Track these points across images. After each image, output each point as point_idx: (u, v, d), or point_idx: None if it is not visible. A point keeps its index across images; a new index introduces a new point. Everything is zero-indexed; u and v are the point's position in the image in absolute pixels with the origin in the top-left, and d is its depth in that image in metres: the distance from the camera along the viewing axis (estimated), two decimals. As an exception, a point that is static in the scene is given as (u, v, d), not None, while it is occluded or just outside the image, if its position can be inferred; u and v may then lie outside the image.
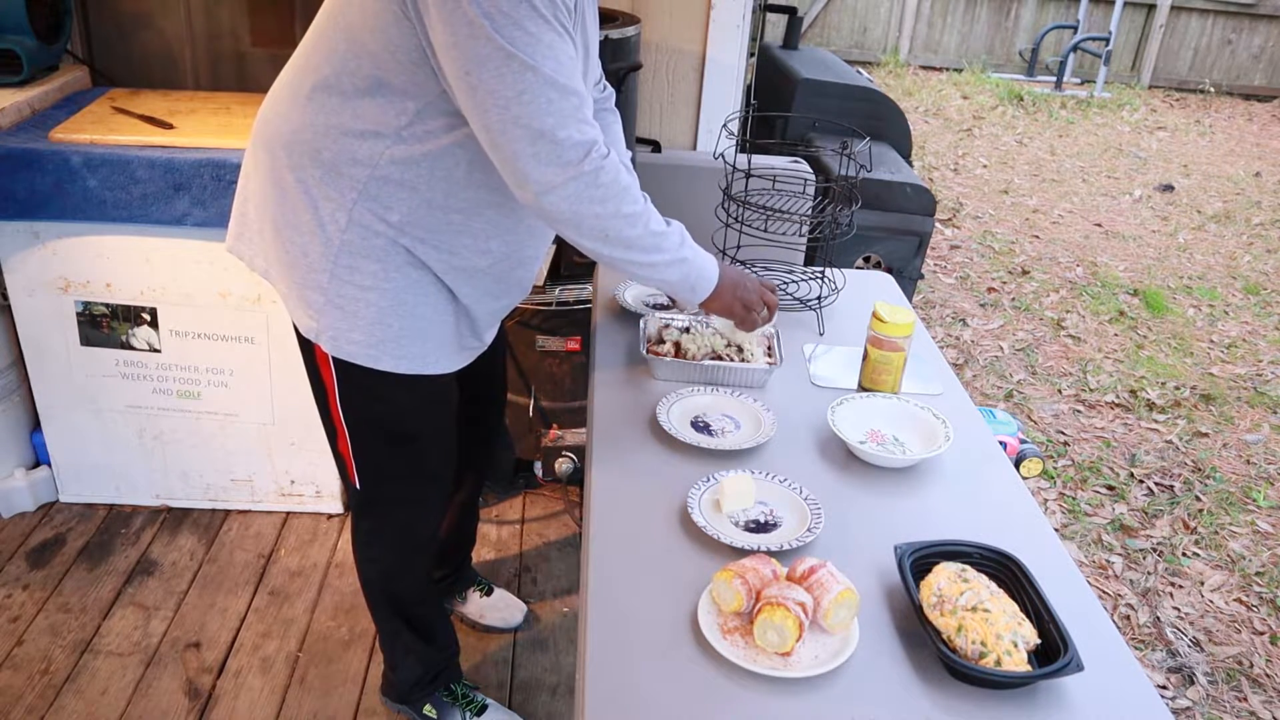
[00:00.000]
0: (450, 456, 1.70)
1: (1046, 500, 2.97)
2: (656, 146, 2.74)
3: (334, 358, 1.47)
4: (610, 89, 1.74)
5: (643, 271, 1.41)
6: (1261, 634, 2.49)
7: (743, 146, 2.56)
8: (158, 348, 2.30)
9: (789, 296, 1.88)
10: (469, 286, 1.48)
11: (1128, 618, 2.52)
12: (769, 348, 1.66)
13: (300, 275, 1.43)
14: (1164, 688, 2.30)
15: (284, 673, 2.08)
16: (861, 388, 1.59)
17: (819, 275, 1.91)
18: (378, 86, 1.31)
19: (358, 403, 1.54)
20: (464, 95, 1.25)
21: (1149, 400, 3.59)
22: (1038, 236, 5.23)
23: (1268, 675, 2.36)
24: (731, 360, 1.59)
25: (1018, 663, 1.02)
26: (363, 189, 1.36)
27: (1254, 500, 3.05)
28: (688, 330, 1.67)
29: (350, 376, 1.49)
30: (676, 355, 1.61)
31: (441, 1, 1.20)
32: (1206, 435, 3.40)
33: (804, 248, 2.57)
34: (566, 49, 1.24)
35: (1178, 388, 3.71)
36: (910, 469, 1.41)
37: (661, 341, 1.65)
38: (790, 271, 1.98)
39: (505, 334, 1.94)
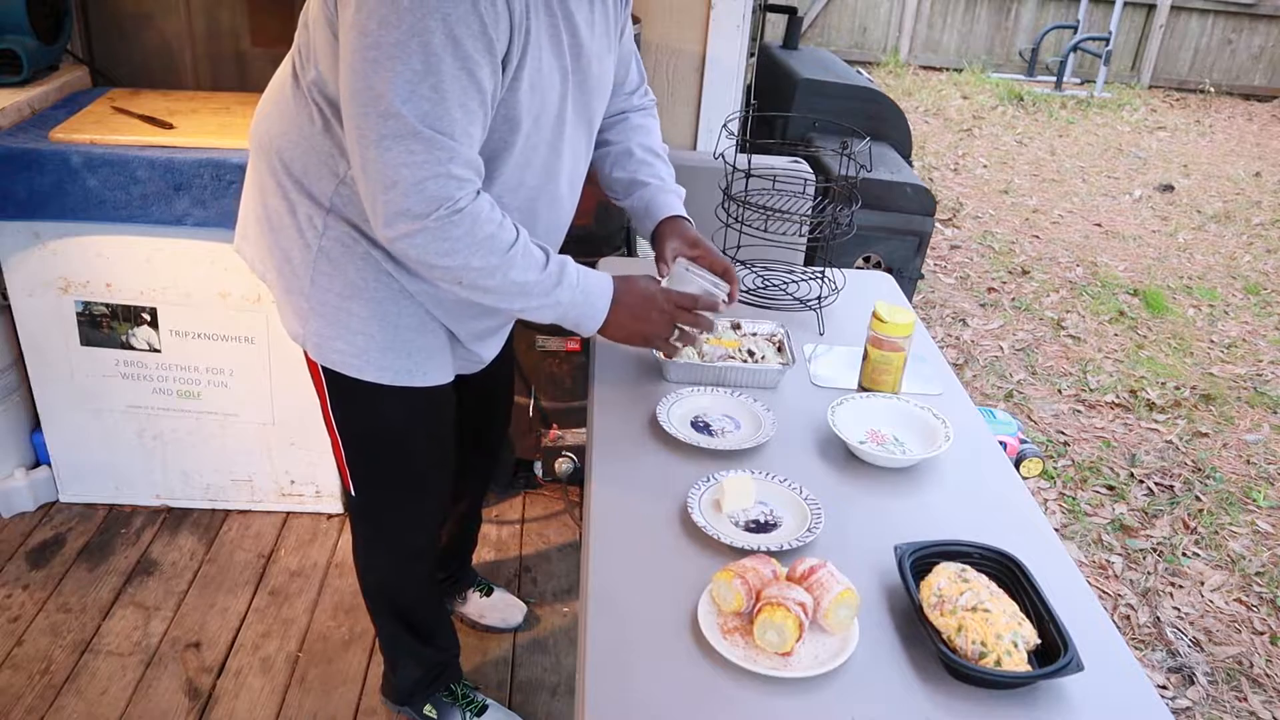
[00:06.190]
0: (447, 466, 1.68)
1: (1046, 500, 2.97)
2: (656, 146, 2.74)
3: (322, 365, 1.46)
4: (651, 95, 1.71)
5: (510, 312, 1.38)
6: (1261, 634, 2.49)
7: (743, 146, 2.56)
8: (158, 348, 2.30)
9: (789, 297, 1.88)
10: (441, 310, 1.46)
11: (1128, 618, 2.51)
12: (780, 347, 1.65)
13: (286, 280, 1.42)
14: (1164, 688, 2.30)
15: (284, 673, 2.08)
16: (861, 388, 1.59)
17: (819, 275, 1.91)
18: (331, 103, 1.29)
19: (348, 410, 1.52)
20: (344, 122, 1.22)
21: (1149, 400, 3.59)
22: (1038, 236, 5.23)
23: (1268, 675, 2.36)
24: (744, 362, 1.59)
25: (1018, 663, 1.02)
26: (332, 201, 1.35)
27: (1254, 500, 3.05)
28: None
29: (339, 384, 1.47)
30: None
31: (348, 26, 1.16)
32: (1206, 435, 3.40)
33: (804, 248, 2.57)
34: (460, 88, 1.16)
35: (1178, 388, 3.71)
36: (910, 469, 1.41)
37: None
38: (790, 271, 1.98)
39: (513, 344, 1.92)
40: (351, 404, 1.51)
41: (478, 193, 1.24)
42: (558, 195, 1.45)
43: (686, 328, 1.46)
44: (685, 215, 1.64)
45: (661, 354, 1.55)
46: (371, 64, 1.14)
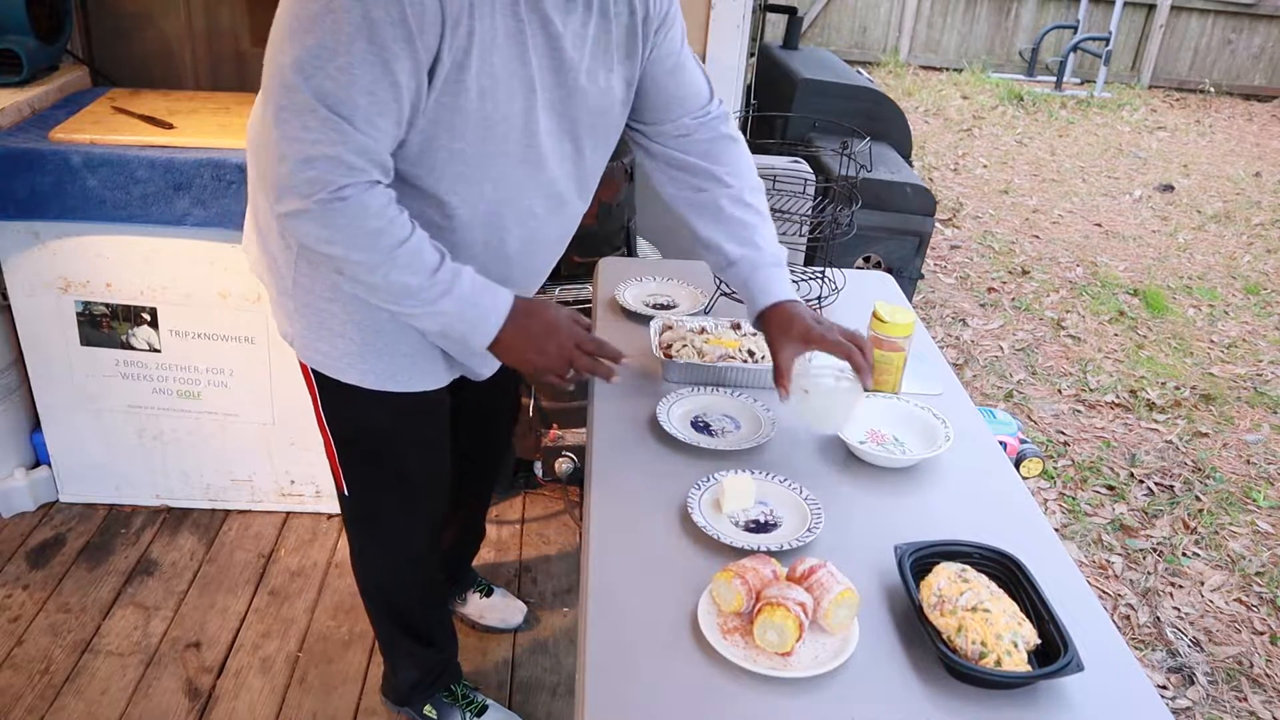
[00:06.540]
0: (441, 472, 1.65)
1: (1046, 500, 2.97)
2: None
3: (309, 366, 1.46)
4: (723, 106, 1.53)
5: (399, 315, 1.31)
6: (1261, 634, 2.49)
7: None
8: (158, 348, 2.30)
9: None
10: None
11: (1128, 618, 2.51)
12: None
13: (274, 279, 1.42)
14: (1164, 688, 2.30)
15: (284, 673, 2.08)
16: (861, 388, 1.59)
17: (819, 275, 1.91)
18: None
19: (338, 413, 1.51)
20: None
21: (1149, 400, 3.59)
22: (1038, 236, 5.23)
23: (1268, 675, 2.36)
24: (744, 362, 1.58)
25: (1018, 663, 1.02)
26: None
27: (1254, 500, 3.05)
28: (703, 331, 1.66)
29: (327, 385, 1.46)
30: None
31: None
32: (1206, 435, 3.40)
33: (804, 248, 2.57)
34: (370, 74, 1.12)
35: (1178, 388, 3.71)
36: (910, 469, 1.41)
37: (670, 345, 1.62)
38: (790, 272, 1.97)
39: None
40: (339, 405, 1.50)
41: (374, 184, 1.19)
42: (531, 211, 1.37)
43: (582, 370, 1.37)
44: (790, 296, 1.44)
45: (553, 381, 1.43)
46: (287, 34, 1.13)
